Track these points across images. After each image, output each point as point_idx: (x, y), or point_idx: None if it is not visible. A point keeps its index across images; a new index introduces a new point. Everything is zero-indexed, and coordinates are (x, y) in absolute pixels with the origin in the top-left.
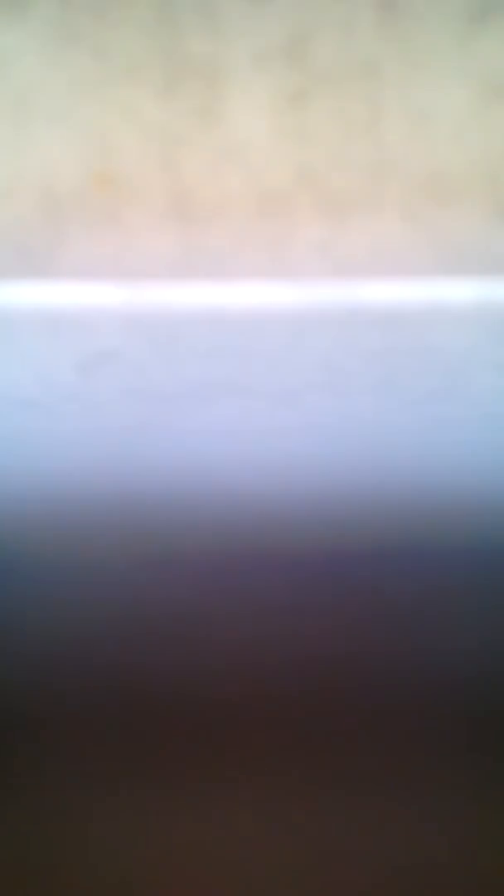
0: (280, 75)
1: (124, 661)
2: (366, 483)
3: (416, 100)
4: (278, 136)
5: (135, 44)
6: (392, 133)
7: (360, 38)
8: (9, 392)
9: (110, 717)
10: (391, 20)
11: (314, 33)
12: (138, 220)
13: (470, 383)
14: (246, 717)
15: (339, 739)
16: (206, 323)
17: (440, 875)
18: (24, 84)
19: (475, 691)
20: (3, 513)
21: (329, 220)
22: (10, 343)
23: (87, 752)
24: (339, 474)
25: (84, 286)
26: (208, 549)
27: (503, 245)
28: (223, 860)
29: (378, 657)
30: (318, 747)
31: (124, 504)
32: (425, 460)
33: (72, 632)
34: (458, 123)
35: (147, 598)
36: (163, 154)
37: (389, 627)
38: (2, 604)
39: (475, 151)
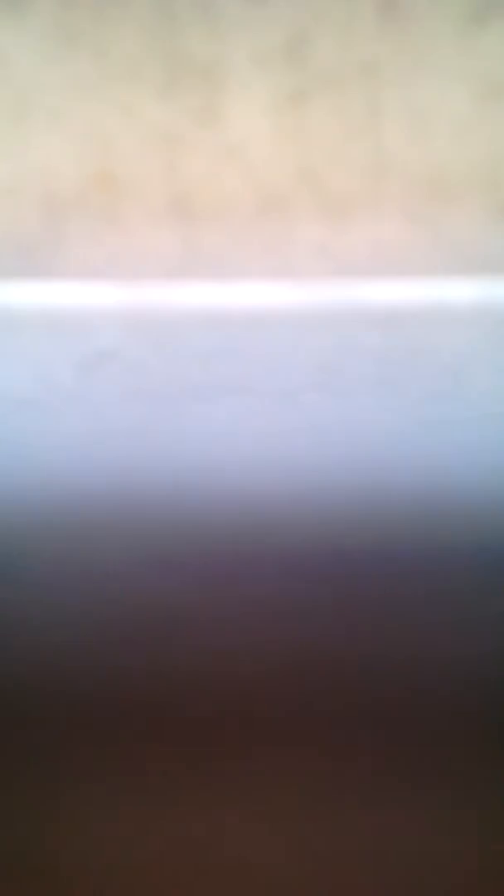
0: (280, 75)
1: (123, 661)
2: (365, 482)
3: (416, 100)
4: (278, 136)
5: (135, 44)
6: (392, 133)
7: (360, 38)
8: (9, 392)
9: (109, 717)
10: (391, 20)
11: (314, 33)
12: (138, 220)
13: (470, 383)
14: (245, 717)
15: (340, 740)
16: (206, 323)
17: (440, 877)
18: (24, 84)
19: (476, 692)
20: (3, 512)
21: (329, 220)
22: (10, 343)
23: (85, 753)
24: (339, 474)
25: (84, 286)
26: (208, 549)
27: (503, 245)
28: (222, 861)
29: (378, 657)
30: (318, 748)
31: (124, 503)
32: (425, 460)
33: (71, 631)
34: (458, 123)
35: (146, 598)
36: (163, 154)
37: (389, 627)
38: (1, 603)
39: (475, 151)
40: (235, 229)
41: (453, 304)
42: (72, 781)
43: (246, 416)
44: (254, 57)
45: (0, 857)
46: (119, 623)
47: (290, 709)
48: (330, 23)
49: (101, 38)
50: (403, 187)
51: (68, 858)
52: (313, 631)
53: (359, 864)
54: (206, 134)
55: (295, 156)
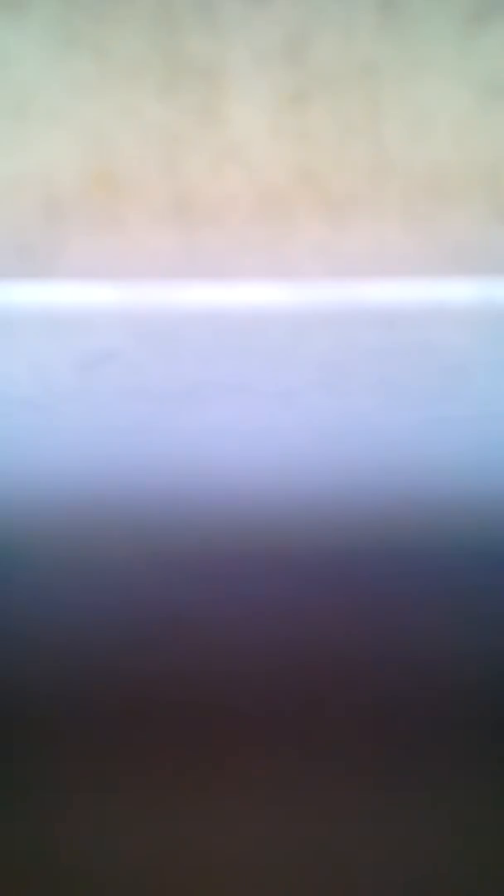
0: (280, 75)
1: (124, 661)
2: (365, 483)
3: (416, 100)
4: (278, 136)
5: (135, 44)
6: (392, 133)
7: (360, 39)
8: (9, 392)
9: (110, 717)
10: (391, 20)
11: (314, 34)
12: (138, 220)
13: (470, 383)
14: (245, 717)
15: (340, 740)
16: (206, 323)
17: (440, 876)
18: (24, 84)
19: (477, 691)
20: (3, 512)
21: (329, 220)
22: (10, 343)
23: (85, 753)
24: (339, 474)
25: (84, 286)
26: (208, 549)
27: (503, 245)
28: (223, 862)
29: (378, 657)
30: (319, 747)
31: (124, 504)
32: (425, 460)
33: (71, 631)
34: (458, 123)
35: (146, 598)
36: (163, 154)
37: (389, 627)
38: (1, 603)
39: (475, 151)
40: (235, 229)
41: (453, 304)
42: (71, 781)
43: (246, 416)
44: (254, 57)
45: (0, 857)
46: (119, 623)
47: (290, 708)
48: (330, 23)
49: (101, 38)
50: (403, 187)
51: (68, 858)
52: (313, 631)
53: (359, 863)
54: (206, 134)
55: (295, 156)
